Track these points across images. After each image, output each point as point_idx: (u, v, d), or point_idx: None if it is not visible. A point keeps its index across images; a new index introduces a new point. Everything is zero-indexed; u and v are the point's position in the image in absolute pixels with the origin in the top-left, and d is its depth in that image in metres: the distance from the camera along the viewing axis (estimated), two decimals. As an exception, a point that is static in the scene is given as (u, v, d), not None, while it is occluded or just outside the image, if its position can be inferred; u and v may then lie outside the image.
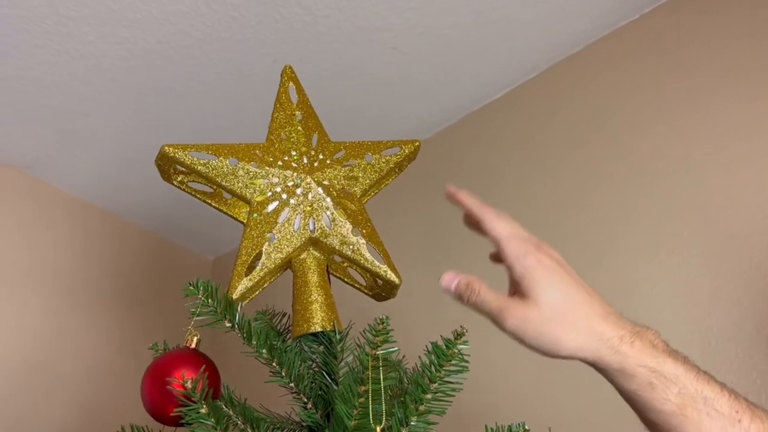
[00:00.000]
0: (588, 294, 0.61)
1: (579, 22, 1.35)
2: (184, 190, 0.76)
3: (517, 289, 0.61)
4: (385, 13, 1.27)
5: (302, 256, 0.73)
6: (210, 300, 0.65)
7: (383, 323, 0.58)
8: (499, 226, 0.66)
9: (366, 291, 0.80)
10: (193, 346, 0.64)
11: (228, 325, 0.65)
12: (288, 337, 0.76)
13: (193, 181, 0.75)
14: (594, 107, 1.37)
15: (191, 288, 0.65)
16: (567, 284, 0.61)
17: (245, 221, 0.72)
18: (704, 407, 0.53)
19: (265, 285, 0.73)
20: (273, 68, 1.36)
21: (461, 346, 0.59)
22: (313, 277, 0.72)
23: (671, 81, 1.27)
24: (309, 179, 0.75)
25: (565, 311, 0.58)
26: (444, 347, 0.59)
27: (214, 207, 0.77)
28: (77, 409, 1.51)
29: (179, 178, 0.75)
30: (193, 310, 0.64)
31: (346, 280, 0.81)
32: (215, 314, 0.65)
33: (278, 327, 0.78)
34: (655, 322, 1.11)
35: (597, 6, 1.32)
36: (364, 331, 0.59)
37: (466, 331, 0.59)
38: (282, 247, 0.70)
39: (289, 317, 0.77)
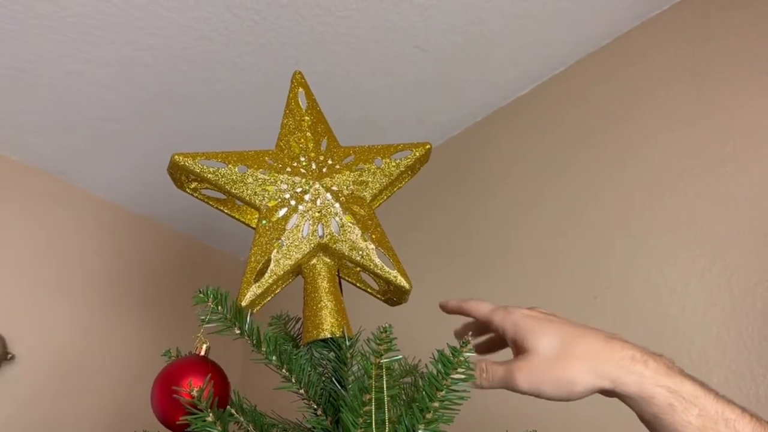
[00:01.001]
0: (582, 327, 0.61)
1: (606, 14, 1.32)
2: (197, 197, 0.77)
3: (517, 350, 0.62)
4: (406, 13, 1.26)
5: (312, 262, 0.73)
6: (220, 307, 0.65)
7: (386, 332, 0.57)
8: (482, 306, 0.67)
9: (378, 296, 0.79)
10: (203, 353, 0.64)
11: (237, 332, 0.65)
12: (301, 343, 0.76)
13: (206, 188, 0.76)
14: (624, 101, 1.33)
15: (201, 295, 0.65)
16: (558, 326, 0.61)
17: (256, 227, 0.72)
18: (726, 429, 0.52)
19: (277, 291, 0.73)
20: (296, 68, 1.36)
21: (467, 354, 0.58)
22: (323, 283, 0.71)
23: (705, 73, 1.22)
24: (317, 185, 0.74)
25: (566, 350, 0.58)
26: (450, 355, 0.58)
27: (226, 213, 0.77)
28: (110, 411, 1.53)
29: (192, 186, 0.76)
30: (202, 317, 0.64)
31: (358, 284, 0.80)
32: (225, 321, 0.65)
33: (292, 332, 0.78)
34: (687, 322, 1.09)
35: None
36: (368, 340, 0.58)
37: (470, 341, 0.58)
38: (291, 253, 0.70)
39: (302, 322, 0.77)
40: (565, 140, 1.40)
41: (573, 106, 1.42)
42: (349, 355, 0.67)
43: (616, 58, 1.38)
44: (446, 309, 0.71)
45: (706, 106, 1.20)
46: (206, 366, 0.63)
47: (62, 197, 1.63)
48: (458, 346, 0.57)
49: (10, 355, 1.36)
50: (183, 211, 1.78)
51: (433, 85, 1.47)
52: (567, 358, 0.57)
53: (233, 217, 0.77)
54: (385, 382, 0.55)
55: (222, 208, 0.77)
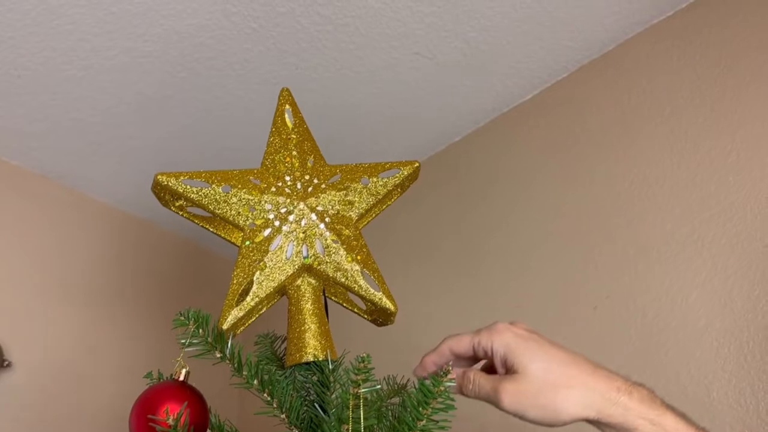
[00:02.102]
0: (571, 354, 0.60)
1: (609, 20, 1.29)
2: (182, 215, 0.75)
3: (506, 370, 0.61)
4: (406, 20, 1.24)
5: (297, 283, 0.71)
6: (200, 330, 0.64)
7: (364, 362, 0.55)
8: (461, 339, 0.65)
9: (365, 316, 0.77)
10: (182, 378, 0.63)
11: (218, 355, 0.64)
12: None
13: (191, 206, 0.74)
14: (627, 109, 1.30)
15: (181, 318, 0.64)
16: (548, 350, 0.60)
17: (239, 247, 0.71)
18: None
19: (262, 311, 0.71)
20: (297, 75, 1.35)
21: (448, 384, 0.56)
22: (307, 305, 0.70)
23: (709, 81, 1.19)
24: (302, 205, 0.72)
25: (555, 376, 0.57)
26: (430, 385, 0.56)
27: (212, 232, 0.75)
28: (107, 419, 1.53)
29: (177, 204, 0.74)
30: (183, 341, 0.63)
31: (344, 304, 0.78)
32: (206, 345, 0.64)
33: (279, 352, 0.77)
34: (689, 334, 1.07)
35: (629, 2, 1.25)
36: (346, 370, 0.57)
37: (452, 369, 0.57)
38: (274, 275, 0.68)
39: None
40: (567, 147, 1.38)
41: (575, 112, 1.39)
42: (332, 379, 0.65)
43: (619, 65, 1.35)
44: (424, 369, 0.67)
45: (710, 115, 1.17)
46: (184, 392, 0.61)
47: (62, 202, 1.62)
48: (438, 376, 0.56)
49: (6, 362, 1.35)
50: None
51: (435, 92, 1.45)
52: (556, 386, 0.57)
53: (219, 236, 0.75)
54: (362, 412, 0.54)
55: (207, 226, 0.76)
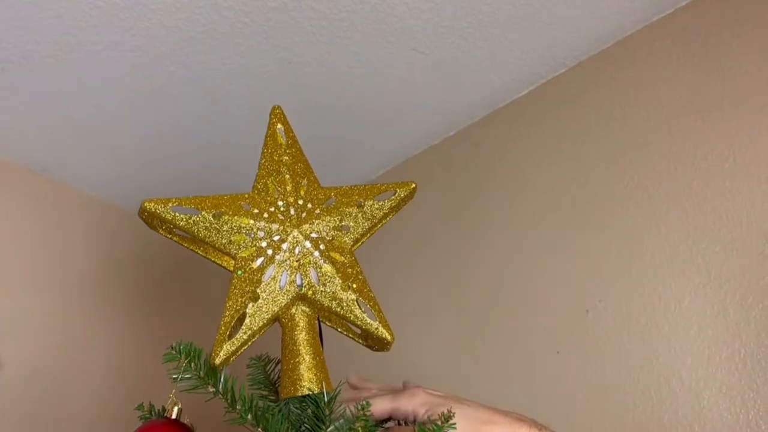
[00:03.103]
0: (481, 404, 0.65)
1: (608, 17, 1.25)
2: (171, 239, 0.73)
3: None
4: (402, 15, 1.19)
5: (291, 312, 0.69)
6: (192, 364, 0.62)
7: (363, 409, 0.54)
8: (379, 401, 0.67)
9: (360, 341, 0.75)
10: (174, 416, 0.61)
11: (211, 390, 0.62)
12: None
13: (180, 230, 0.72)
14: (623, 109, 1.27)
15: (172, 352, 0.62)
16: (463, 401, 0.64)
17: (231, 276, 0.68)
18: None
19: (254, 340, 0.69)
20: (290, 70, 1.31)
21: (450, 431, 0.55)
22: (301, 335, 0.67)
23: (707, 83, 1.16)
24: (296, 232, 0.70)
25: (476, 420, 0.62)
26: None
27: (202, 255, 0.73)
28: (99, 410, 1.51)
29: (165, 227, 0.71)
30: (174, 375, 0.61)
31: (339, 329, 0.76)
32: (198, 379, 0.62)
33: (272, 375, 0.75)
34: (680, 341, 1.06)
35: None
36: (343, 415, 0.55)
37: (454, 414, 0.56)
38: (268, 307, 0.66)
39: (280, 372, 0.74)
40: (562, 145, 1.35)
41: (571, 110, 1.36)
42: (327, 412, 0.64)
43: (618, 63, 1.31)
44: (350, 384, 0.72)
45: (709, 117, 1.15)
46: (175, 430, 0.60)
47: (49, 195, 1.57)
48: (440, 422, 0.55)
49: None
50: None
51: (431, 87, 1.41)
52: (479, 429, 0.61)
53: (210, 260, 0.73)
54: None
55: (197, 250, 0.73)
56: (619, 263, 1.18)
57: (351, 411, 0.56)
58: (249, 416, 0.61)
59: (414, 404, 0.64)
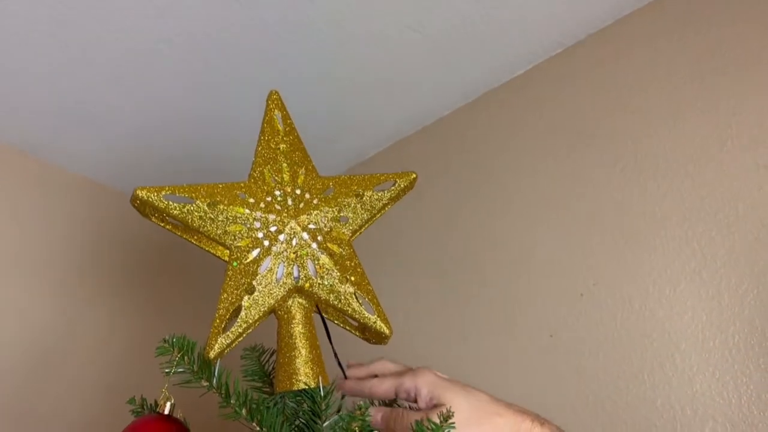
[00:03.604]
0: (488, 394, 0.65)
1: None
2: (164, 227, 0.70)
3: (432, 405, 0.64)
4: (398, -8, 1.16)
5: (287, 304, 0.67)
6: (186, 358, 0.60)
7: (360, 409, 0.53)
8: (382, 380, 0.68)
9: (357, 333, 0.74)
10: (167, 411, 0.59)
11: (205, 384, 0.60)
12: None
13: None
14: (621, 90, 1.25)
15: (165, 345, 0.60)
16: (470, 389, 0.65)
17: (226, 267, 0.66)
18: None
19: (249, 332, 0.67)
20: (280, 46, 1.27)
21: (448, 431, 0.54)
22: (298, 328, 0.66)
23: (707, 65, 1.14)
24: (293, 223, 0.67)
25: (479, 411, 0.61)
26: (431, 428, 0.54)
27: (195, 244, 0.71)
28: (85, 396, 1.49)
29: (157, 215, 0.69)
30: (167, 369, 0.59)
31: (335, 321, 0.74)
32: (191, 373, 0.60)
33: (266, 366, 0.74)
34: (674, 326, 1.06)
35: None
36: (340, 415, 0.54)
37: (453, 413, 0.54)
38: (264, 299, 0.64)
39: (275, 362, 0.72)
40: (557, 128, 1.33)
41: (567, 91, 1.34)
42: (323, 407, 0.62)
43: (617, 42, 1.29)
44: (343, 389, 0.71)
45: (706, 100, 1.13)
46: (168, 426, 0.58)
47: (33, 174, 1.53)
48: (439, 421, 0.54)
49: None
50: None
51: (424, 66, 1.38)
52: (480, 419, 0.61)
53: (203, 249, 0.70)
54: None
55: (191, 239, 0.71)
56: (614, 247, 1.17)
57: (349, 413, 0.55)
58: (243, 411, 0.60)
59: (417, 382, 0.64)
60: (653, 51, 1.22)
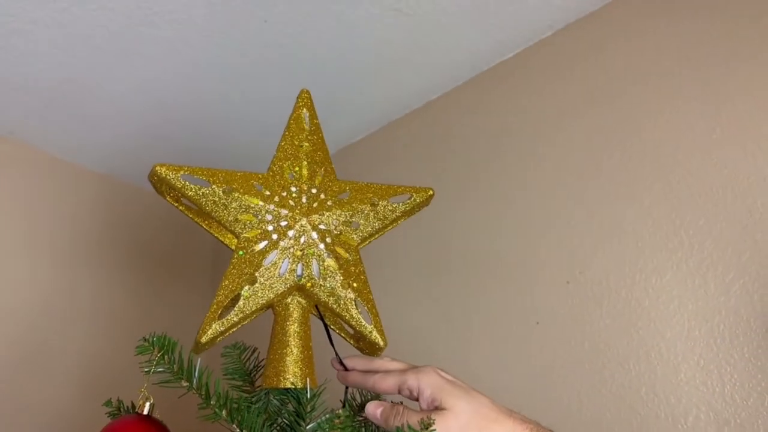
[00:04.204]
0: (490, 399, 0.64)
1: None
2: (177, 207, 0.70)
3: (433, 407, 0.63)
4: (385, -25, 1.13)
5: (286, 301, 0.66)
6: (165, 357, 0.59)
7: (340, 417, 0.52)
8: (386, 376, 0.67)
9: (350, 341, 0.73)
10: (146, 412, 0.58)
11: (185, 384, 0.59)
12: (258, 376, 0.71)
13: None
14: (609, 77, 1.23)
15: (145, 344, 0.59)
16: (473, 393, 0.64)
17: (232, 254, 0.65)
18: None
19: (243, 324, 0.66)
20: (265, 29, 1.24)
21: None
22: (293, 326, 0.65)
23: (698, 51, 1.12)
24: (304, 221, 0.67)
25: (480, 416, 0.60)
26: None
27: (205, 229, 0.70)
28: (79, 375, 1.48)
29: (172, 194, 0.68)
30: (146, 369, 0.58)
31: (332, 327, 0.73)
32: (171, 373, 0.59)
33: (247, 364, 0.72)
34: (660, 315, 1.05)
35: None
36: (318, 423, 0.52)
37: (434, 421, 0.54)
38: (264, 292, 0.63)
39: (259, 353, 0.71)
40: (546, 113, 1.31)
41: (556, 76, 1.31)
42: (308, 409, 0.61)
43: (607, 26, 1.26)
44: (344, 380, 0.70)
45: (696, 87, 1.11)
46: (147, 427, 0.57)
47: (13, 156, 1.50)
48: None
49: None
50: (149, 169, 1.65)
51: (413, 48, 1.35)
52: (480, 425, 0.60)
53: (212, 235, 0.70)
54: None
55: (201, 223, 0.70)
56: (601, 235, 1.16)
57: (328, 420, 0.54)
58: (223, 412, 0.59)
59: (421, 381, 0.63)
60: (642, 38, 1.20)
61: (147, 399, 0.58)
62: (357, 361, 0.70)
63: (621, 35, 1.23)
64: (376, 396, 0.71)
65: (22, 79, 1.28)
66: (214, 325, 0.62)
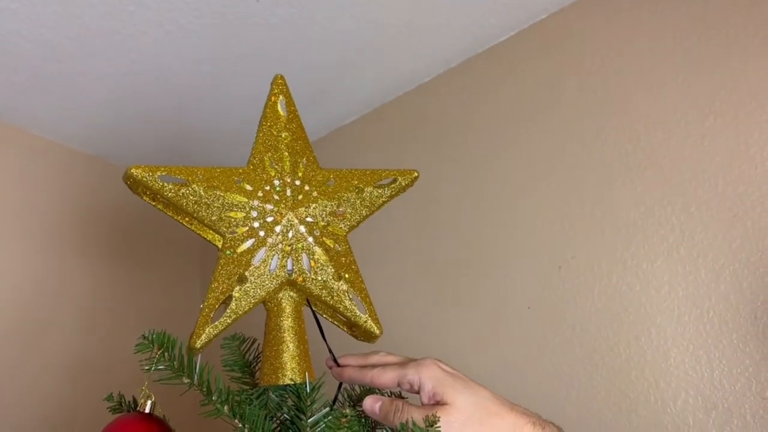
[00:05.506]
0: (492, 392, 0.63)
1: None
2: (155, 206, 0.67)
3: (434, 401, 0.62)
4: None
5: (278, 296, 0.65)
6: (166, 355, 0.57)
7: (345, 417, 0.51)
8: (385, 370, 0.65)
9: (344, 329, 0.72)
10: (147, 410, 0.57)
11: (186, 381, 0.58)
12: (257, 367, 0.70)
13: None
14: (605, 57, 1.21)
15: (145, 342, 0.57)
16: (474, 386, 0.63)
17: (218, 254, 0.63)
18: None
19: (236, 321, 0.65)
20: (256, 9, 1.21)
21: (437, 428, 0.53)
22: (287, 321, 0.64)
23: (692, 35, 1.11)
24: (290, 215, 0.65)
25: (481, 410, 0.60)
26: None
27: (187, 227, 0.67)
28: (68, 355, 1.46)
29: (150, 193, 0.66)
30: (147, 366, 0.57)
31: (324, 315, 0.72)
32: (172, 369, 0.58)
33: (247, 355, 0.72)
34: (650, 300, 1.06)
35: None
36: (323, 418, 0.52)
37: (439, 418, 0.53)
38: (255, 291, 0.61)
39: (259, 345, 0.70)
40: (539, 98, 1.29)
41: (550, 60, 1.30)
42: (309, 402, 0.60)
43: (601, 11, 1.24)
44: (340, 376, 0.68)
45: (689, 75, 1.10)
46: (149, 426, 0.56)
47: (4, 139, 1.46)
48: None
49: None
50: (141, 150, 1.63)
51: (407, 31, 1.32)
52: (482, 418, 0.59)
53: (196, 233, 0.67)
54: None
55: (183, 221, 0.67)
56: (592, 220, 1.16)
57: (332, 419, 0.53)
58: (225, 408, 0.58)
59: (421, 375, 0.62)
60: (636, 23, 1.19)
61: (148, 397, 0.57)
62: (351, 359, 0.69)
63: (615, 20, 1.22)
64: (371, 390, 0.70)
65: (6, 58, 1.23)
66: (207, 329, 0.60)
